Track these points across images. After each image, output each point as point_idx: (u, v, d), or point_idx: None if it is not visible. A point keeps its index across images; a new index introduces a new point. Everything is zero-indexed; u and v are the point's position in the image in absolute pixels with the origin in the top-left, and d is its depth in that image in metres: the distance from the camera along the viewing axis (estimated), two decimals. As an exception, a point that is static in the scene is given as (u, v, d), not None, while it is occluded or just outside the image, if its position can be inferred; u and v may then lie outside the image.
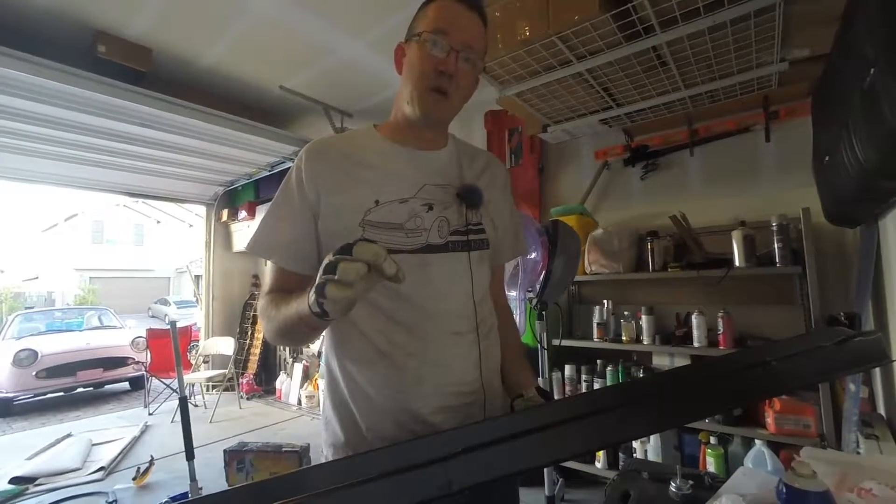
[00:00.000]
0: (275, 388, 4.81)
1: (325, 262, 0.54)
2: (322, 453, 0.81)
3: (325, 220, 0.77)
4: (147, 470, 2.74)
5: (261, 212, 4.69)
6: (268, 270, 0.83)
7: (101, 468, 2.94)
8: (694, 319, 2.20)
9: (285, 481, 0.49)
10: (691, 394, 0.57)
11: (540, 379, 2.13)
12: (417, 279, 0.74)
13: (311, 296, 0.56)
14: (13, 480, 2.77)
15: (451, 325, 0.77)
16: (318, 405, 4.24)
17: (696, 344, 2.19)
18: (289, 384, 4.67)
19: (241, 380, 4.86)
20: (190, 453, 2.29)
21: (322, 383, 4.21)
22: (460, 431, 0.53)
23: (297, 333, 0.70)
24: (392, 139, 0.82)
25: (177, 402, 2.60)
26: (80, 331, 6.28)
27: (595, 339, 2.52)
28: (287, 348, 4.89)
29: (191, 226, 13.91)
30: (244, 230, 4.94)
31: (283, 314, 0.69)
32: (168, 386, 4.44)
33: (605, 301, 2.57)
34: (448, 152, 0.86)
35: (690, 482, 0.89)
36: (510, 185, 0.96)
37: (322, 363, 4.36)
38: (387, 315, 0.74)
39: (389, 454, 0.52)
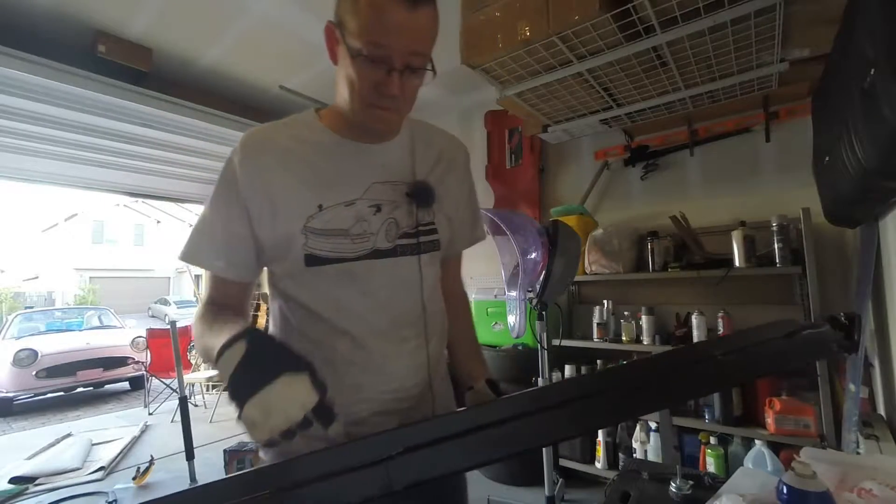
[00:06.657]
0: (275, 388, 4.81)
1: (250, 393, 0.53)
2: (260, 455, 0.78)
3: (262, 224, 0.70)
4: (147, 470, 2.74)
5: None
6: (205, 277, 0.77)
7: (101, 468, 2.95)
8: (694, 319, 2.20)
9: (221, 486, 0.48)
10: (642, 390, 0.57)
11: (540, 380, 2.13)
12: (362, 288, 0.71)
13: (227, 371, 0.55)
14: (13, 480, 2.77)
15: (396, 332, 0.74)
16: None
17: (696, 344, 2.19)
18: (289, 384, 4.66)
19: (241, 380, 4.85)
20: (190, 453, 2.30)
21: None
22: (401, 431, 0.52)
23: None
24: (337, 131, 0.75)
25: (177, 401, 2.60)
26: (80, 331, 6.29)
27: (595, 340, 2.52)
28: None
29: (190, 226, 13.89)
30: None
31: (206, 341, 0.63)
32: (168, 386, 4.44)
33: (605, 301, 2.57)
34: (400, 143, 0.78)
35: (690, 482, 0.89)
36: (470, 167, 0.89)
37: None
38: (329, 324, 0.71)
39: (329, 456, 0.51)
